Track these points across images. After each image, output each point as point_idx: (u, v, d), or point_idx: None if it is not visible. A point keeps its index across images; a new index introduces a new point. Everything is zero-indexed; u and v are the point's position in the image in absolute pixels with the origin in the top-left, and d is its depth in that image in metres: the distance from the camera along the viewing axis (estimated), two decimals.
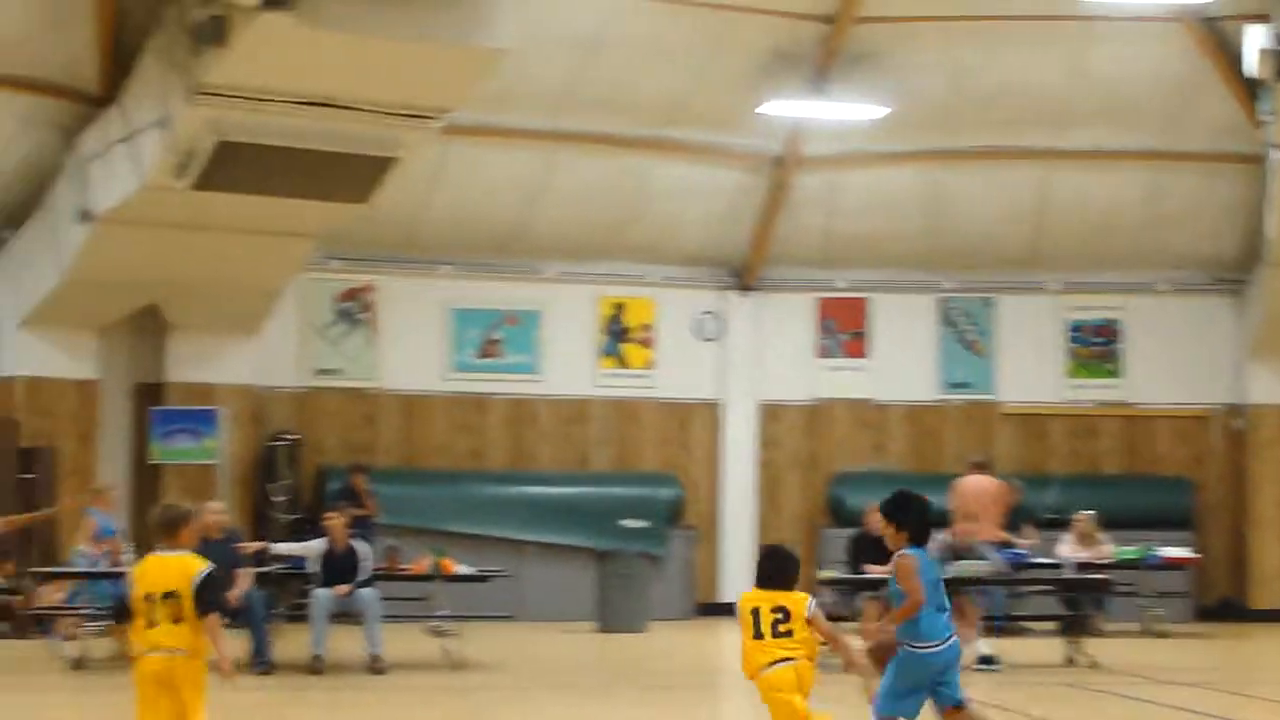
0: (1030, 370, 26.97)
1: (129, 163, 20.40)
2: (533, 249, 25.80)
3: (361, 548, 18.16)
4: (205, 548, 17.74)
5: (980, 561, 18.97)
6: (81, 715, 14.88)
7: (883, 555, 18.60)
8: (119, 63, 21.29)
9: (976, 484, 22.70)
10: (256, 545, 18.58)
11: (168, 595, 9.22)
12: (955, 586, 18.66)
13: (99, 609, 18.46)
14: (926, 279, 26.92)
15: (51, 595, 19.88)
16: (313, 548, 18.12)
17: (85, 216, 21.23)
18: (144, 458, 23.37)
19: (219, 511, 18.30)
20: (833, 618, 18.35)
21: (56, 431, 22.94)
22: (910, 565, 10.03)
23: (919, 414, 26.98)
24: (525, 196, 25.10)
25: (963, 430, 26.82)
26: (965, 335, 27.04)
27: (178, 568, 9.28)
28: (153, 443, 23.31)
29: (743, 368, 26.65)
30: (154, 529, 9.51)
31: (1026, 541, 22.85)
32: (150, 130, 20.01)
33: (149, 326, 23.68)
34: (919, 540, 10.19)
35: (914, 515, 10.17)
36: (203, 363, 23.59)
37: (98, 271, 21.93)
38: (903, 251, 26.59)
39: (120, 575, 19.15)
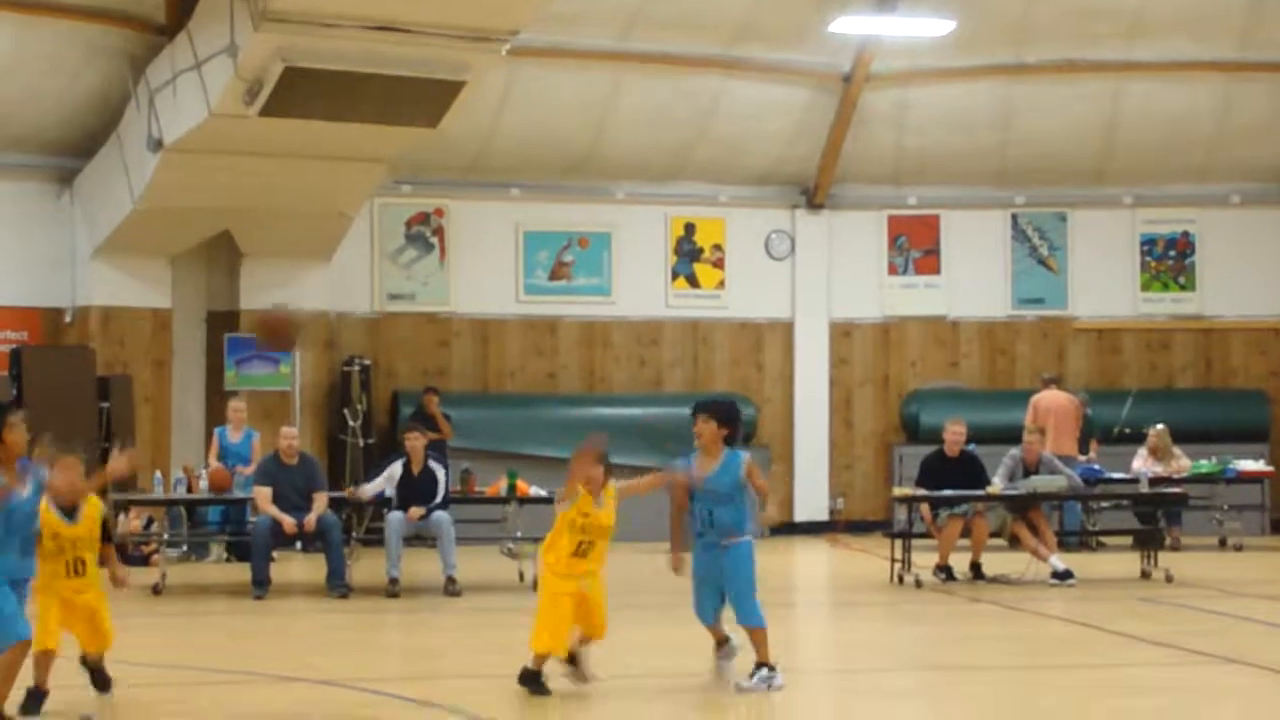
0: (1103, 285, 26.80)
1: (197, 91, 20.44)
2: (602, 170, 25.77)
3: (437, 471, 18.19)
4: (280, 471, 18.05)
5: (1054, 476, 18.92)
6: (163, 640, 15.02)
7: (958, 473, 18.76)
8: None
9: (1050, 399, 22.67)
10: (346, 492, 18.50)
11: None
12: (1030, 502, 18.73)
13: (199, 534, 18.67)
14: (998, 194, 26.76)
15: (131, 523, 20.03)
16: (390, 473, 18.14)
17: (155, 145, 21.30)
18: (218, 383, 23.52)
19: (292, 436, 18.42)
20: (909, 535, 18.58)
21: (132, 360, 23.12)
22: None
23: (992, 330, 26.86)
24: (594, 118, 25.04)
25: (1036, 346, 26.71)
26: (1037, 250, 26.88)
27: None
28: (228, 369, 23.47)
29: (814, 286, 26.58)
30: None
31: (1091, 456, 22.83)
32: (218, 58, 20.02)
33: (222, 254, 23.80)
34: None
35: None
36: (276, 289, 23.70)
37: (169, 200, 22.02)
38: (974, 167, 26.42)
39: (219, 501, 19.40)
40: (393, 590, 17.51)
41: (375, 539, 18.43)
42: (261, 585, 17.61)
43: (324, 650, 14.37)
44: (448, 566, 17.68)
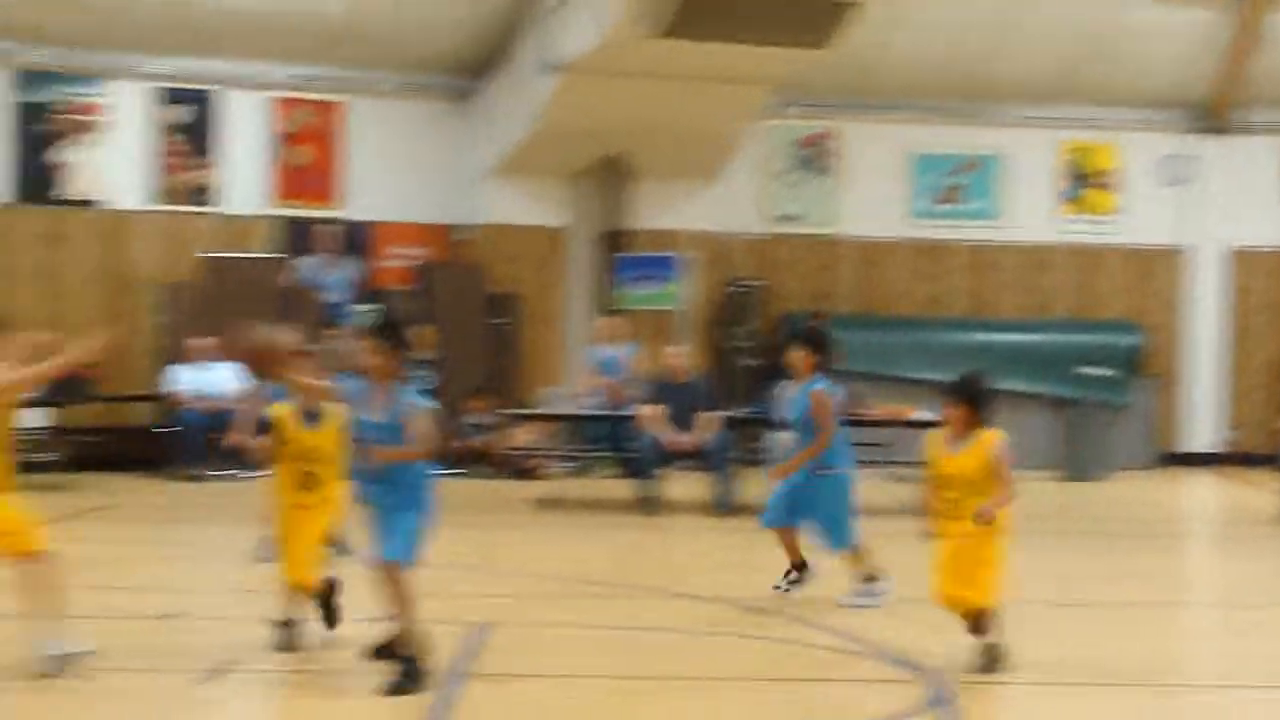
0: None
1: (592, 13, 20.71)
2: (993, 92, 25.41)
3: None
4: (667, 390, 18.29)
5: None
6: (543, 553, 15.39)
7: None
8: None
9: None
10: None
11: None
12: None
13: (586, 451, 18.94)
14: None
15: (522, 436, 20.49)
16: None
17: (551, 67, 21.67)
18: (607, 304, 23.90)
19: (679, 355, 18.62)
20: None
21: (523, 278, 23.63)
22: None
23: None
24: (986, 38, 24.68)
25: None
26: None
27: None
28: (616, 289, 23.83)
29: (1211, 213, 25.89)
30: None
31: None
32: None
33: (613, 175, 24.14)
34: None
35: None
36: (665, 210, 23.98)
37: (564, 122, 22.39)
38: None
39: (606, 418, 19.69)
40: None
41: (762, 459, 18.55)
42: (650, 503, 17.88)
43: (708, 569, 14.58)
44: None
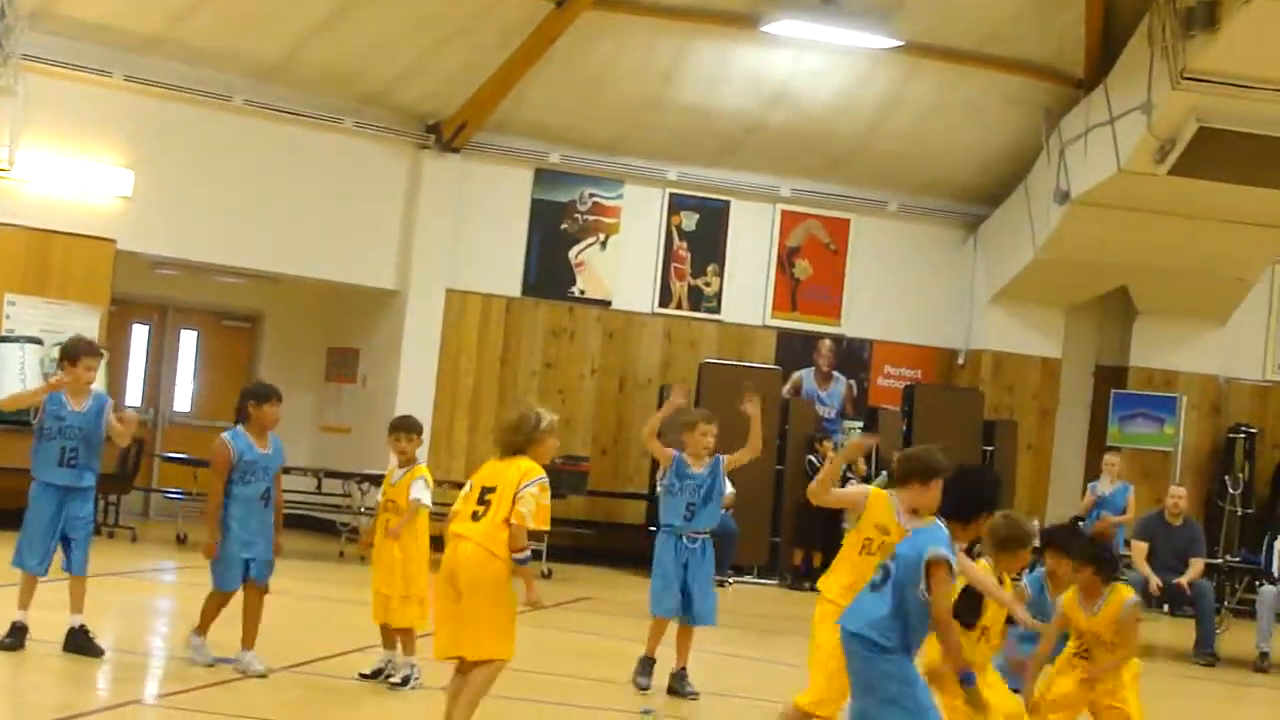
0: None
1: (1108, 146, 20.60)
2: None
3: None
4: (1159, 530, 17.81)
5: None
6: None
7: None
8: (1106, 46, 21.56)
9: None
10: None
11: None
12: None
13: None
14: None
15: None
16: (1274, 547, 17.64)
17: (1063, 197, 21.61)
18: (1099, 437, 23.55)
19: (1180, 496, 18.18)
20: None
21: (1018, 406, 23.48)
22: None
23: None
24: None
25: None
26: None
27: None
28: (1111, 424, 23.46)
29: None
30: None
31: None
32: (1132, 114, 20.13)
33: (1115, 309, 23.86)
34: None
35: None
36: (1167, 349, 23.57)
37: (1070, 251, 22.26)
38: None
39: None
40: (1261, 665, 17.06)
41: (1247, 610, 18.02)
42: None
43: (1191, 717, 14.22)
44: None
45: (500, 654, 8.76)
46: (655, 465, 21.51)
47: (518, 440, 8.93)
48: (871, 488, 9.29)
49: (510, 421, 9.07)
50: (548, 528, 8.91)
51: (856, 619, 7.83)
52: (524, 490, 8.74)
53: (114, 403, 11.53)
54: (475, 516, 8.78)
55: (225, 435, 10.99)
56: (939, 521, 8.08)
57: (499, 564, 8.69)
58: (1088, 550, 9.69)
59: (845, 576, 9.01)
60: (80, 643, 10.92)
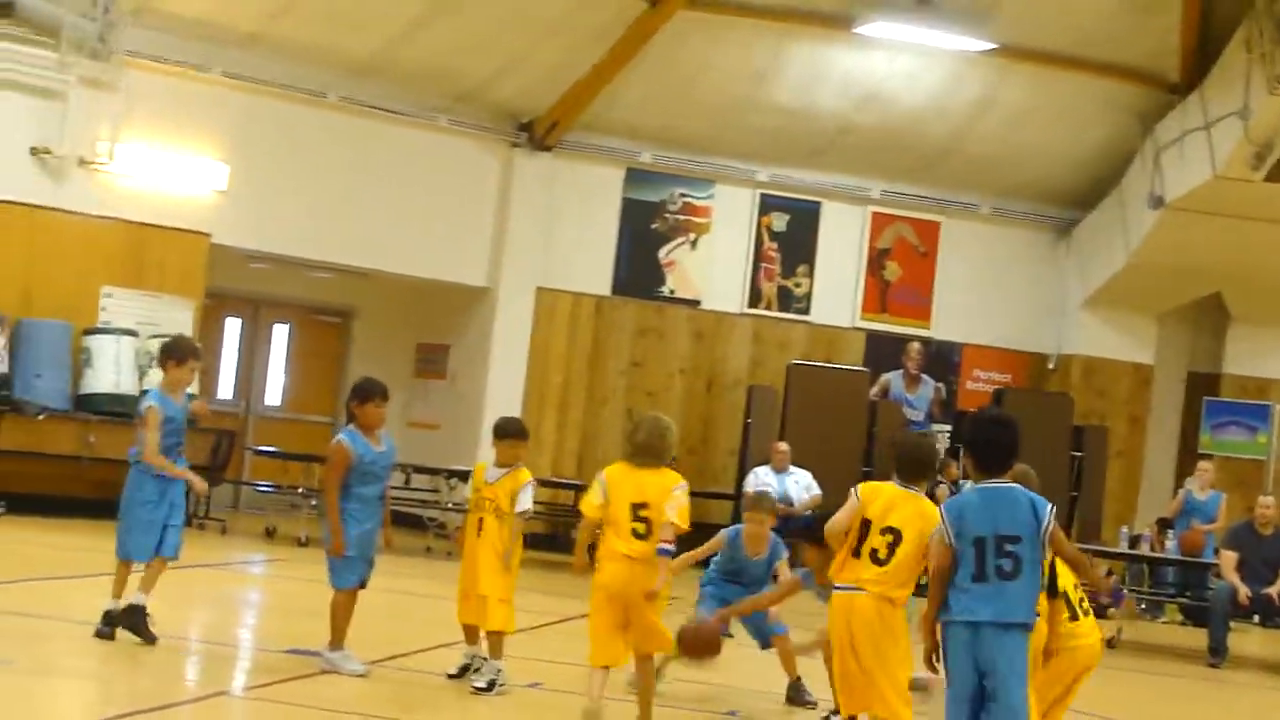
0: None
1: (1203, 151, 20.45)
2: None
3: None
4: (1249, 540, 17.71)
5: None
6: (1110, 694, 15.09)
7: None
8: (1202, 51, 21.41)
9: None
10: None
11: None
12: None
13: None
14: None
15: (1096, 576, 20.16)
16: None
17: (1157, 202, 21.47)
18: (1191, 445, 23.38)
19: (1269, 505, 18.04)
20: None
21: (1108, 412, 23.34)
22: None
23: None
24: None
25: None
26: None
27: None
28: (1203, 432, 23.30)
29: None
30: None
31: None
32: (1228, 120, 19.97)
33: (1208, 316, 23.68)
34: None
35: None
36: (1261, 356, 23.38)
37: (1164, 257, 22.12)
38: None
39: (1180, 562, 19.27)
40: None
41: None
42: (1217, 654, 17.36)
43: None
44: None
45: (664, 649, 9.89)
46: (743, 466, 21.62)
47: (662, 448, 9.70)
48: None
49: (652, 431, 9.72)
50: (688, 526, 9.65)
51: (1014, 611, 7.73)
52: (673, 493, 9.58)
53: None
54: (636, 534, 9.50)
55: (343, 436, 10.95)
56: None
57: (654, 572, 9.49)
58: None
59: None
60: (136, 623, 10.95)
